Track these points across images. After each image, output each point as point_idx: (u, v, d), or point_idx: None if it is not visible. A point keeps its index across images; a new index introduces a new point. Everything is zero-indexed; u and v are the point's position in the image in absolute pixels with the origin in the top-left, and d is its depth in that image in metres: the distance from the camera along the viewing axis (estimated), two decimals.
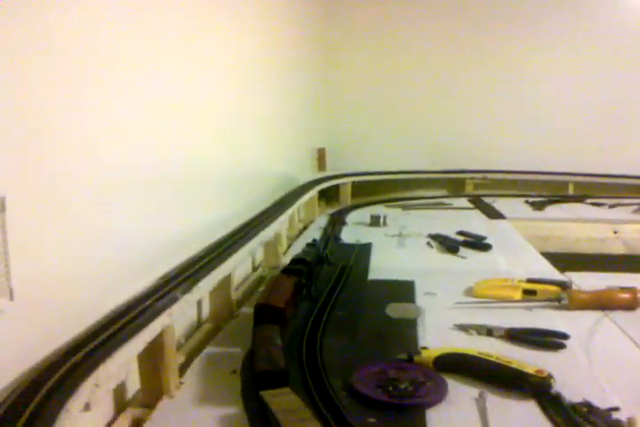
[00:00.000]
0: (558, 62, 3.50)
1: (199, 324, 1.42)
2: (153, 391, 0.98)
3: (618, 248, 2.63)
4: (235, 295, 1.46)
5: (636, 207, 2.84)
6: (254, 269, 1.94)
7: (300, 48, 2.97)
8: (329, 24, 3.58)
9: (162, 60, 1.25)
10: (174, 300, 1.01)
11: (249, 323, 1.30)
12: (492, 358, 1.03)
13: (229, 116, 1.78)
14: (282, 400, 0.89)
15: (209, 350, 1.20)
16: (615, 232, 2.63)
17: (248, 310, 1.44)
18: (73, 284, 0.88)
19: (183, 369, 1.10)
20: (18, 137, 0.74)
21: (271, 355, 1.02)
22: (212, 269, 1.22)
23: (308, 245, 1.96)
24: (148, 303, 0.96)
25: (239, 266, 1.63)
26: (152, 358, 0.96)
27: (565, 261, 2.54)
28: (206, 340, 1.29)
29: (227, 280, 1.35)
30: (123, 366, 0.81)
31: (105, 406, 0.97)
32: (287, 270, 1.48)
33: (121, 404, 1.02)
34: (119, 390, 1.02)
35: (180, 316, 1.05)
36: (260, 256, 1.98)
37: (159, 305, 0.97)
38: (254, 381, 0.96)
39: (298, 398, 0.90)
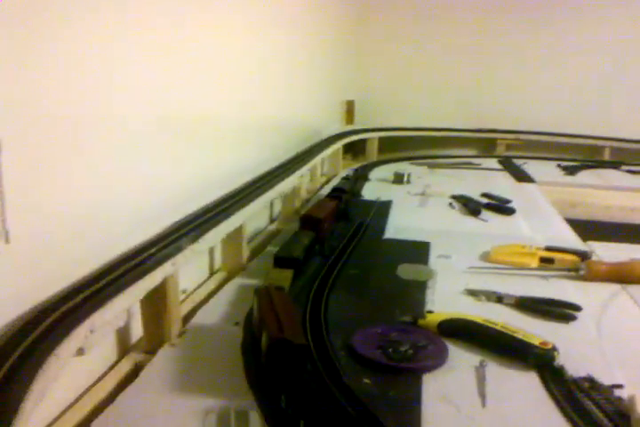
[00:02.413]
0: (595, 23, 3.29)
1: (211, 273, 1.43)
2: (155, 338, 0.99)
3: None
4: (247, 247, 1.46)
5: None
6: (272, 221, 1.94)
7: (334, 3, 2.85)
8: None
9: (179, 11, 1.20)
10: (179, 249, 1.00)
11: (258, 275, 1.31)
12: (496, 327, 1.01)
13: (254, 64, 1.72)
14: (277, 273, 1.21)
15: (215, 300, 1.21)
16: None
17: (261, 261, 1.44)
18: (77, 229, 0.87)
19: (189, 318, 1.12)
20: (15, 76, 0.72)
21: (290, 247, 1.31)
22: (222, 220, 1.21)
23: (344, 178, 2.27)
24: (152, 251, 0.96)
25: (255, 217, 1.62)
26: (154, 306, 0.96)
27: (592, 229, 2.48)
28: (216, 289, 1.30)
29: (238, 231, 1.34)
30: (120, 312, 0.81)
31: (108, 350, 0.99)
32: (330, 196, 1.82)
33: (124, 348, 1.04)
34: (123, 335, 1.04)
35: (187, 264, 1.04)
36: (278, 209, 1.97)
37: (163, 254, 0.96)
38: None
39: (290, 273, 1.21)
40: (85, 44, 0.86)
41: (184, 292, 1.23)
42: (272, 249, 1.51)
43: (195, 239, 1.06)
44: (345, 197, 1.86)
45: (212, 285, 1.33)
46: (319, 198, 1.96)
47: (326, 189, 2.22)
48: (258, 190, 1.48)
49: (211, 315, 1.13)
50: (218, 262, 1.45)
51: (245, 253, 1.41)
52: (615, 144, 3.31)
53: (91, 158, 0.90)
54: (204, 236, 1.10)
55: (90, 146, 0.90)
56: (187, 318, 1.11)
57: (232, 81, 1.55)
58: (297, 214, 1.91)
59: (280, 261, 1.26)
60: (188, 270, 1.16)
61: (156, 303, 0.96)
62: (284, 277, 1.19)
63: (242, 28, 1.59)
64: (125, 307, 0.83)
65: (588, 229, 2.31)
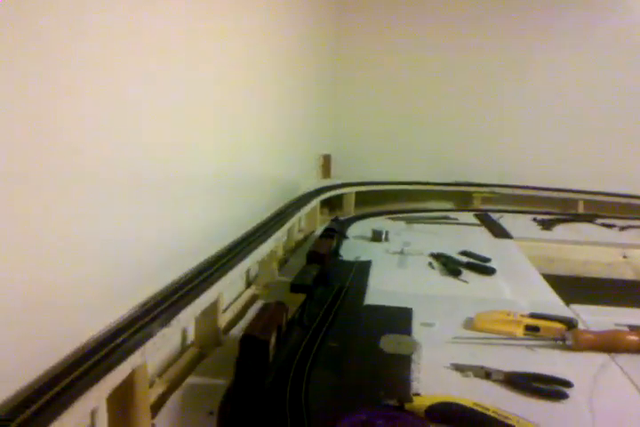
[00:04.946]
0: (571, 76, 3.40)
1: (183, 349, 1.35)
2: None
3: (627, 273, 2.54)
4: (223, 319, 1.39)
5: None
6: (248, 285, 1.87)
7: (309, 51, 2.89)
8: (341, 27, 3.50)
9: (160, 58, 1.17)
10: (149, 336, 0.94)
11: (235, 351, 1.24)
12: (488, 413, 0.96)
13: (231, 117, 1.70)
14: (292, 296, 1.48)
15: (189, 382, 1.13)
16: (624, 257, 2.55)
17: (237, 333, 1.38)
18: (18, 320, 0.79)
19: (160, 404, 1.04)
20: None
21: (302, 277, 1.60)
22: (196, 296, 1.15)
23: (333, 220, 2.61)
24: (117, 342, 0.89)
25: (229, 286, 1.56)
26: (121, 401, 0.89)
27: (572, 284, 2.48)
28: (189, 368, 1.22)
29: (213, 306, 1.28)
30: (82, 418, 0.74)
31: None
32: (324, 236, 2.10)
33: None
34: None
35: (157, 351, 0.97)
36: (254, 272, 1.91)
37: (130, 343, 0.89)
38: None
39: (303, 296, 1.48)
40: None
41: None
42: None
43: (166, 322, 1.00)
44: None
45: (184, 362, 1.25)
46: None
47: (304, 250, 2.18)
48: (233, 259, 1.42)
49: (183, 402, 1.05)
50: (190, 336, 1.38)
51: (221, 327, 1.34)
52: (588, 197, 3.36)
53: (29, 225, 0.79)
54: (177, 316, 1.04)
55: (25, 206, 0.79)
56: (155, 406, 1.03)
57: (207, 138, 1.51)
58: (273, 279, 1.87)
59: (295, 288, 1.52)
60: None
61: (122, 398, 0.88)
62: (297, 299, 1.46)
63: (217, 84, 1.57)
64: (88, 411, 0.76)
65: (568, 284, 2.31)
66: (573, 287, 2.17)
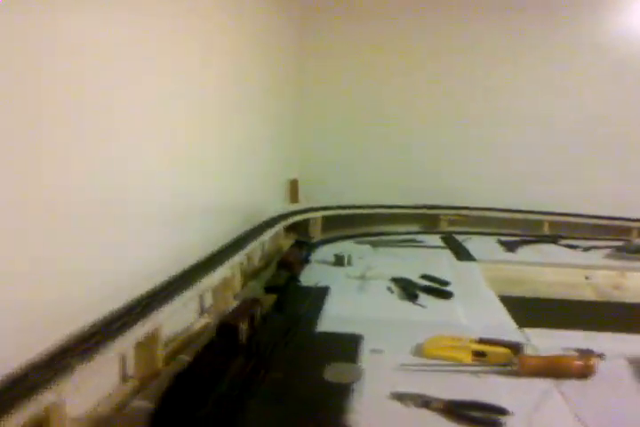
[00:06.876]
0: (532, 102, 3.46)
1: (124, 379, 1.32)
2: None
3: (589, 294, 2.55)
4: (165, 350, 1.36)
5: (608, 251, 2.77)
6: (202, 313, 1.84)
7: (274, 75, 2.92)
8: (304, 50, 3.52)
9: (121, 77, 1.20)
10: (65, 371, 0.91)
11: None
12: None
13: (194, 142, 1.72)
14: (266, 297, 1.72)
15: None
16: (587, 278, 2.56)
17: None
18: None
19: None
20: None
21: (275, 280, 1.92)
22: (129, 327, 1.12)
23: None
24: (35, 377, 0.86)
25: (176, 315, 1.53)
26: None
27: (533, 306, 2.48)
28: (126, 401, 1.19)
29: (153, 336, 1.25)
30: None
31: None
32: (295, 246, 2.45)
33: None
34: None
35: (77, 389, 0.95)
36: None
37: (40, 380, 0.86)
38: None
39: (275, 296, 1.74)
40: None
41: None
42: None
43: (89, 356, 0.97)
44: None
45: (118, 397, 1.22)
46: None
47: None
48: (176, 290, 1.40)
49: None
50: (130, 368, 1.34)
51: (160, 358, 1.31)
52: (553, 218, 3.39)
53: None
54: (99, 353, 1.01)
55: None
56: None
57: (163, 165, 1.52)
58: (228, 306, 1.84)
59: (268, 290, 1.79)
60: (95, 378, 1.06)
61: None
62: (271, 298, 1.70)
63: (182, 114, 1.59)
64: None
65: (529, 306, 2.31)
66: (533, 309, 2.17)
